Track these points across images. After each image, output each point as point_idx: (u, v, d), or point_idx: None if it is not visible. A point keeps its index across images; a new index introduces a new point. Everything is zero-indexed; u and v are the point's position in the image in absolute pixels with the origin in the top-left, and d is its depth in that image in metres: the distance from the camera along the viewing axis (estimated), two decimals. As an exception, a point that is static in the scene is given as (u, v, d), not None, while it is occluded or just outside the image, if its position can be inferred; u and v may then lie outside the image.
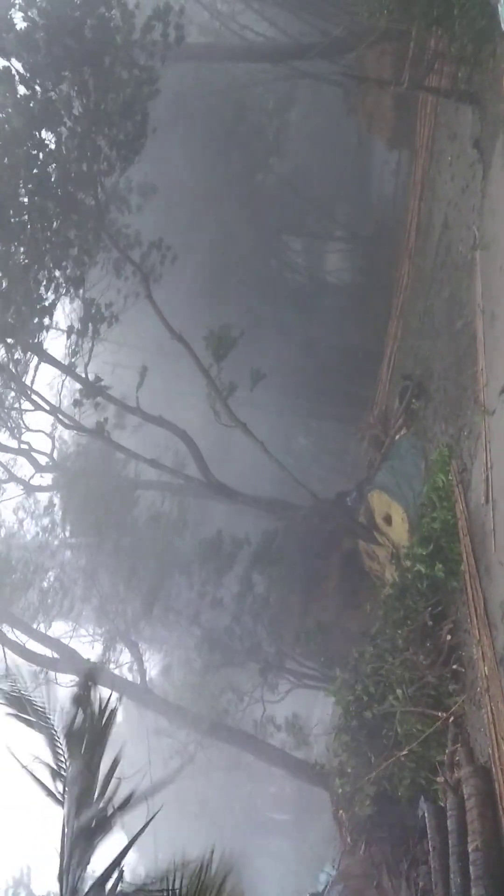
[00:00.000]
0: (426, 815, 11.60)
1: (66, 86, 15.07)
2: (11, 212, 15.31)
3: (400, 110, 17.79)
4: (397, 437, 17.09)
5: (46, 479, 21.73)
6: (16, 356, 16.77)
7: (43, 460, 20.59)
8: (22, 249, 15.60)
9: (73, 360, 17.02)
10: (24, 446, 19.70)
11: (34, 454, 19.95)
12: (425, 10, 12.73)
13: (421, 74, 15.28)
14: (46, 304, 16.24)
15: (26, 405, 18.54)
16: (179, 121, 20.12)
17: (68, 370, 17.03)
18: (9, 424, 19.36)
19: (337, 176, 24.74)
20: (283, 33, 21.66)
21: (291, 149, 24.06)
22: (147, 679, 21.25)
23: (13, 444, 19.71)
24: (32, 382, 17.79)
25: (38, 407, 18.32)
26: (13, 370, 17.06)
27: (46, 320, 16.46)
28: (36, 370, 17.34)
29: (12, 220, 15.32)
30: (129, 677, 21.63)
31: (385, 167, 22.93)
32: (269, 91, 23.36)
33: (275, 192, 22.88)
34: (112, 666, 21.49)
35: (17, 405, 18.86)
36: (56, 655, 20.97)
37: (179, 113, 19.74)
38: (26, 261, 15.60)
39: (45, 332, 16.69)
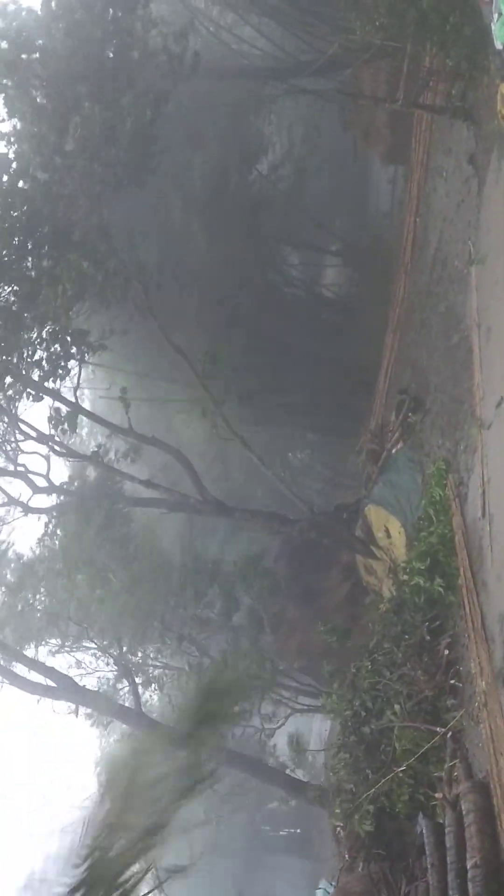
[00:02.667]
0: (424, 831, 11.52)
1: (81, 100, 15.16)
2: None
3: (395, 126, 17.90)
4: (394, 450, 17.10)
5: (44, 500, 21.68)
6: (7, 389, 16.82)
7: (40, 482, 20.52)
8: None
9: (58, 384, 17.04)
10: (20, 469, 19.65)
11: (31, 476, 19.88)
12: (419, 28, 12.84)
13: (416, 91, 15.39)
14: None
15: (20, 434, 18.61)
16: (175, 137, 20.23)
17: (55, 395, 17.04)
18: (4, 448, 19.35)
19: (333, 191, 24.88)
20: (281, 50, 21.83)
21: (288, 164, 24.19)
22: (143, 703, 21.14)
23: (9, 467, 19.68)
24: (25, 410, 17.87)
25: (28, 437, 18.41)
26: (2, 405, 17.16)
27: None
28: (26, 397, 17.34)
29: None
30: (126, 702, 21.53)
31: (381, 183, 23.07)
32: (266, 108, 23.53)
33: (271, 207, 22.97)
34: (107, 690, 21.41)
35: (10, 432, 18.90)
36: (52, 684, 20.79)
37: (176, 129, 19.84)
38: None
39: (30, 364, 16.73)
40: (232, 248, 20.69)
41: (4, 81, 15.29)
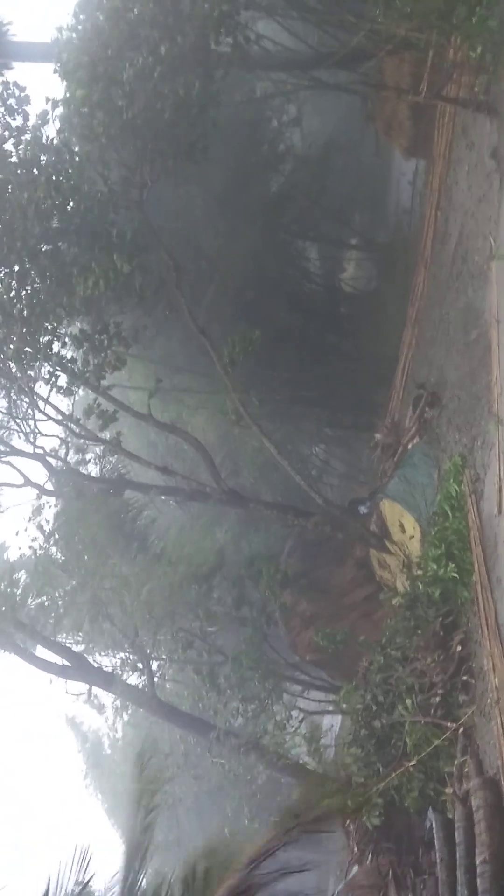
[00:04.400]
0: (434, 826, 11.53)
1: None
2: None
3: (418, 119, 17.77)
4: (410, 445, 17.04)
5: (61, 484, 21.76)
6: (28, 369, 16.89)
7: (57, 465, 20.65)
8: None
9: (86, 370, 17.06)
10: (38, 451, 19.77)
11: (49, 459, 20.01)
12: (444, 19, 12.74)
13: (439, 84, 15.27)
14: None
15: (40, 414, 18.69)
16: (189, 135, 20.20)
17: (83, 380, 17.09)
18: (24, 430, 19.46)
19: (354, 184, 24.75)
20: (302, 42, 21.70)
21: (308, 157, 24.09)
22: (156, 688, 21.22)
23: (28, 448, 19.79)
24: (49, 394, 17.95)
25: (49, 417, 18.50)
26: (23, 385, 17.25)
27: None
28: (50, 380, 17.40)
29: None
30: (139, 686, 21.61)
31: (402, 176, 22.91)
32: (288, 101, 23.42)
33: (291, 201, 22.89)
34: (122, 674, 21.50)
35: (30, 412, 18.98)
36: (66, 663, 20.97)
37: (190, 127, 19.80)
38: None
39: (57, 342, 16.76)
40: (251, 243, 20.62)
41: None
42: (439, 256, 17.20)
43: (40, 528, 21.44)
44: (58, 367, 16.58)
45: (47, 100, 16.09)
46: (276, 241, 22.66)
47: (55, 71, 15.67)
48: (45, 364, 16.60)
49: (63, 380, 16.99)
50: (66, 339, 16.69)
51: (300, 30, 21.51)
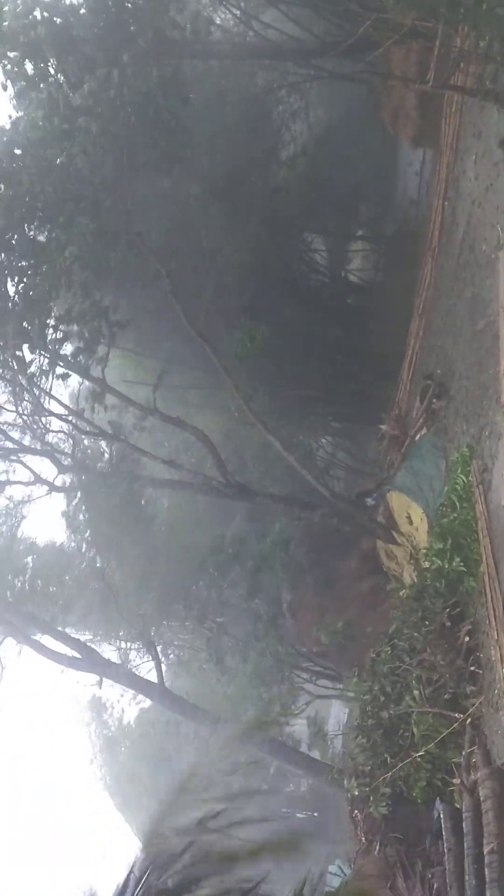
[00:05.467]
0: (442, 816, 11.51)
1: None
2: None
3: (425, 109, 17.67)
4: (417, 437, 17.01)
5: (68, 480, 21.85)
6: (29, 366, 16.92)
7: (65, 461, 20.69)
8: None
9: (88, 362, 17.08)
10: (46, 447, 19.82)
11: (57, 455, 20.06)
12: (451, 7, 12.64)
13: (447, 73, 15.16)
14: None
15: (46, 410, 18.73)
16: (200, 124, 20.14)
17: (83, 372, 17.13)
18: (32, 426, 19.51)
19: (360, 175, 24.64)
20: (307, 31, 21.59)
21: (314, 148, 23.98)
22: (165, 679, 21.33)
23: (36, 445, 19.84)
24: (51, 388, 17.98)
25: (51, 413, 18.54)
26: (23, 382, 17.27)
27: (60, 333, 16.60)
28: (53, 375, 17.45)
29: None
30: (148, 677, 21.72)
31: (408, 166, 22.81)
32: (293, 91, 23.30)
33: (297, 192, 22.79)
34: (131, 665, 21.63)
35: (37, 409, 19.01)
36: (77, 655, 21.09)
37: (201, 116, 19.72)
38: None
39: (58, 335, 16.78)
40: (254, 235, 20.56)
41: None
42: (446, 246, 17.12)
43: (53, 520, 21.59)
44: (53, 356, 16.61)
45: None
46: (281, 234, 22.58)
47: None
48: (42, 354, 16.63)
49: (59, 370, 17.03)
50: (55, 328, 16.64)
51: (305, 19, 21.39)
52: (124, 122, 15.46)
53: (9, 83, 15.72)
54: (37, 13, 15.08)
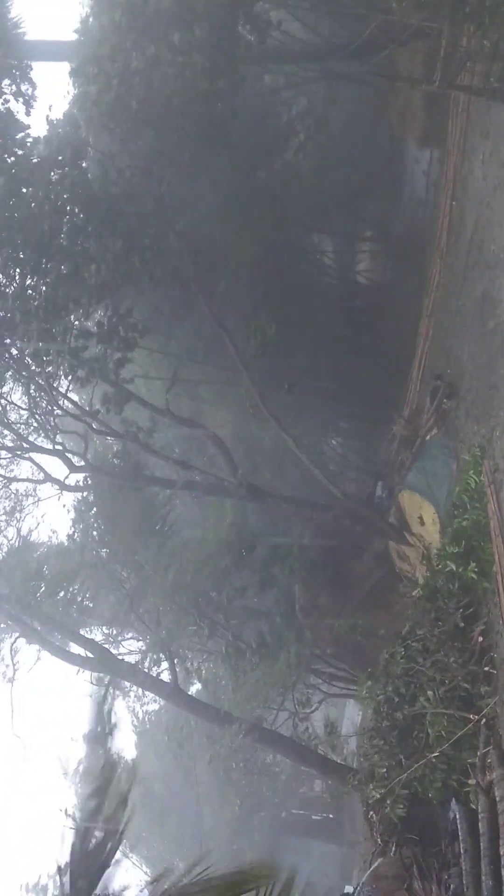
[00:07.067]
0: (458, 817, 11.52)
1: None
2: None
3: (431, 109, 17.69)
4: (428, 437, 17.00)
5: (80, 479, 21.93)
6: (48, 366, 16.99)
7: (77, 461, 20.77)
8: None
9: (104, 364, 17.13)
10: (58, 447, 19.91)
11: (68, 455, 20.14)
12: (457, 7, 12.64)
13: (453, 72, 15.16)
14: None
15: (59, 410, 18.81)
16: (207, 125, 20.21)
17: (102, 375, 17.20)
18: (44, 426, 19.59)
19: (368, 176, 24.63)
20: (314, 33, 21.60)
21: (322, 150, 23.96)
22: (179, 679, 21.35)
23: (48, 445, 19.93)
24: (67, 389, 18.03)
25: (67, 413, 18.61)
26: (40, 381, 17.35)
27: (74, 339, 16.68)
28: (74, 377, 17.51)
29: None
30: (162, 677, 21.75)
31: (416, 166, 22.78)
32: (300, 93, 23.30)
33: (304, 193, 22.79)
34: (144, 666, 21.66)
35: (50, 408, 19.11)
36: (89, 654, 21.18)
37: (207, 117, 19.80)
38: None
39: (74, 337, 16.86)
40: (264, 236, 20.57)
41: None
42: (455, 247, 17.12)
43: (64, 521, 21.69)
44: (75, 361, 16.68)
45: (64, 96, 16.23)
46: (291, 234, 22.59)
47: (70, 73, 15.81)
48: (65, 358, 16.71)
49: (81, 373, 17.10)
50: (78, 333, 16.75)
51: (312, 20, 21.40)
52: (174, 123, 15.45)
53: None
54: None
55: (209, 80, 15.15)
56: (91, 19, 16.34)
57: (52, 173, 15.75)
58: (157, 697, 23.35)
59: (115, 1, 15.53)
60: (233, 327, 18.20)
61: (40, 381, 17.41)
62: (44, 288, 15.91)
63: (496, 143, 14.98)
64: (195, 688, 23.05)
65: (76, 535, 21.81)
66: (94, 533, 21.22)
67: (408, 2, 12.93)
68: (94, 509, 21.46)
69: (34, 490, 22.09)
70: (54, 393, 18.07)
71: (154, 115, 15.33)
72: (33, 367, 17.09)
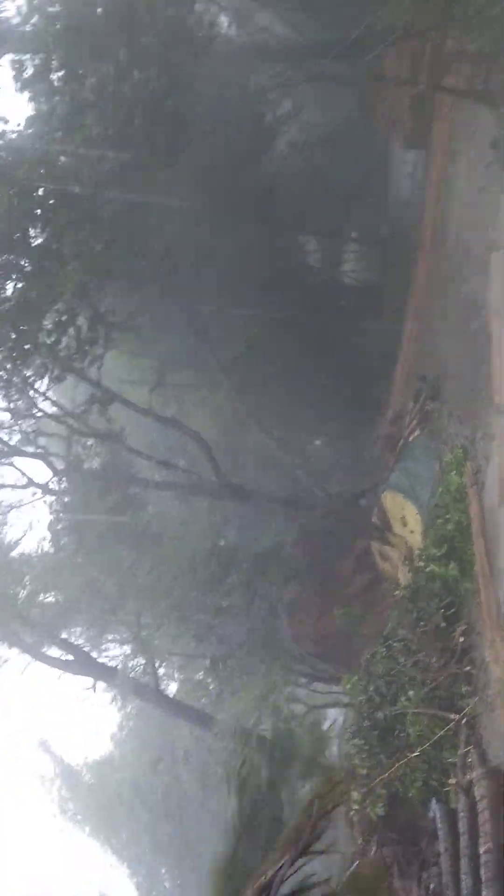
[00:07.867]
0: (438, 816, 11.56)
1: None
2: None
3: (417, 110, 17.72)
4: (411, 438, 17.04)
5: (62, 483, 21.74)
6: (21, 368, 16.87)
7: (59, 464, 20.64)
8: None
9: (84, 364, 17.04)
10: (39, 450, 19.76)
11: (51, 458, 20.01)
12: (443, 10, 12.70)
13: (439, 75, 15.24)
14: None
15: (40, 412, 18.68)
16: (195, 123, 20.15)
17: (80, 374, 17.11)
18: (25, 429, 19.43)
19: (353, 177, 24.68)
20: (300, 34, 21.63)
21: (307, 150, 23.98)
22: (161, 683, 21.32)
23: (29, 448, 19.78)
24: (47, 389, 17.90)
25: (47, 415, 18.49)
26: (19, 384, 17.23)
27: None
28: (51, 376, 17.38)
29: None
30: (143, 681, 21.68)
31: (401, 168, 22.84)
32: (285, 94, 23.30)
33: (289, 194, 22.79)
34: (127, 670, 21.59)
35: (30, 411, 18.96)
36: (69, 657, 21.06)
37: (196, 115, 19.74)
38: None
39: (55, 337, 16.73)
40: (248, 236, 20.57)
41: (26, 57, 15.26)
42: (439, 248, 17.17)
43: (45, 524, 21.53)
44: (48, 358, 16.56)
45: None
46: (274, 235, 22.59)
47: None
48: (37, 356, 16.57)
49: (56, 371, 16.99)
50: (51, 328, 16.61)
51: (298, 21, 21.42)
52: (127, 119, 15.41)
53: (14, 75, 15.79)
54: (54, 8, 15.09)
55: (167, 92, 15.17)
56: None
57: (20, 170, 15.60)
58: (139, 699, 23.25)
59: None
60: (215, 329, 18.20)
61: (18, 383, 17.26)
62: (15, 287, 15.80)
63: (481, 145, 15.00)
64: (174, 686, 22.99)
65: (58, 538, 21.64)
66: (74, 536, 21.07)
67: (394, 6, 12.99)
68: (75, 512, 21.33)
69: (18, 501, 21.91)
70: (33, 394, 17.91)
71: (116, 132, 15.35)
72: (10, 369, 16.93)
